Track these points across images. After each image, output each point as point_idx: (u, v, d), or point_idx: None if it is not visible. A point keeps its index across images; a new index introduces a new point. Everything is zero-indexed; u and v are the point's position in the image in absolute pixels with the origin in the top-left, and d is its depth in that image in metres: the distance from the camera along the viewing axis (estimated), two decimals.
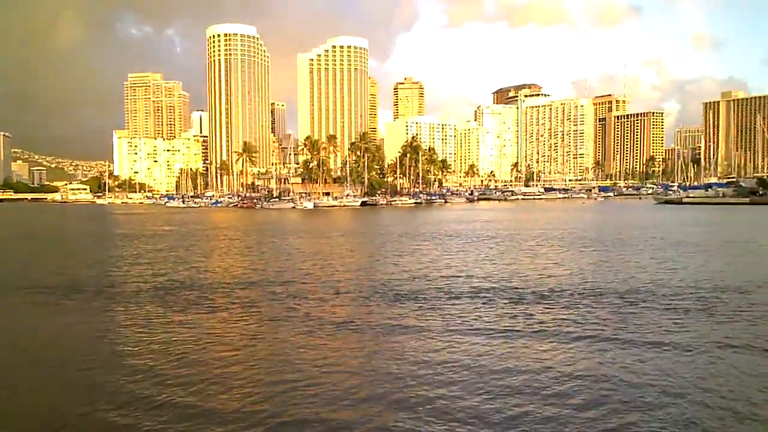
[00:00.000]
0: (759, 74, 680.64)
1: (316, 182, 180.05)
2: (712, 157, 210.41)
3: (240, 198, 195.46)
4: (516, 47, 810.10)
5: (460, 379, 14.55)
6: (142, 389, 14.19)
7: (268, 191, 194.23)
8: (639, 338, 17.86)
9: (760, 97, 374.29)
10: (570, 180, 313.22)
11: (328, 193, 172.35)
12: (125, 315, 22.57)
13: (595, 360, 15.93)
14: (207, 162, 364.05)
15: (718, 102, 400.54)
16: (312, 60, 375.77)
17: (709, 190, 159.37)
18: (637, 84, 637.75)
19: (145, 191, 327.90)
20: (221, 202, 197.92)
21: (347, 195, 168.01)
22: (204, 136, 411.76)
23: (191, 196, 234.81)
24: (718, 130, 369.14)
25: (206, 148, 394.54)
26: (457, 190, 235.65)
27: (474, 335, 18.43)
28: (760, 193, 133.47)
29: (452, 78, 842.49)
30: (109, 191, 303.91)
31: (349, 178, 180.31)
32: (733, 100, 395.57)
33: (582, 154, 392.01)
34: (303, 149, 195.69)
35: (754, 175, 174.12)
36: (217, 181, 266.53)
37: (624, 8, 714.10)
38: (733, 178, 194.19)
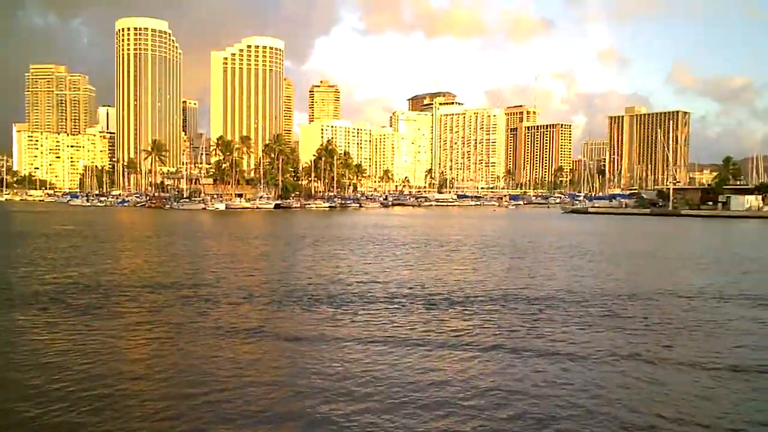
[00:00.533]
0: (660, 91, 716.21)
1: (229, 183, 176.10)
2: (616, 169, 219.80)
3: (148, 198, 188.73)
4: (432, 56, 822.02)
5: (371, 392, 13.86)
6: (30, 409, 12.69)
7: (177, 191, 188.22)
8: (547, 347, 17.69)
9: (660, 113, 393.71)
10: (482, 188, 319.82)
11: (240, 195, 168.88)
12: (19, 321, 20.72)
13: (504, 372, 15.50)
14: (114, 160, 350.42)
15: (622, 116, 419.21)
16: (226, 58, 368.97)
17: (613, 200, 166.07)
18: (548, 96, 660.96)
19: (46, 188, 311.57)
20: (128, 201, 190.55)
21: (260, 197, 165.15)
22: (111, 133, 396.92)
23: (96, 195, 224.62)
24: (622, 143, 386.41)
25: (113, 145, 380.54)
26: (372, 195, 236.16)
27: (389, 345, 17.76)
28: (660, 204, 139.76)
29: (369, 83, 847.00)
30: (6, 188, 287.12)
31: (262, 180, 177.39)
32: (636, 115, 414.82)
33: (494, 162, 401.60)
34: (215, 149, 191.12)
35: (655, 187, 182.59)
36: (124, 180, 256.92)
37: (536, 23, 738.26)
38: (635, 189, 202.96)
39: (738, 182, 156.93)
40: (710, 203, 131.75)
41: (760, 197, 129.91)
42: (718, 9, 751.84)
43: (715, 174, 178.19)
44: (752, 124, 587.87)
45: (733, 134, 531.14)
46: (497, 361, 16.43)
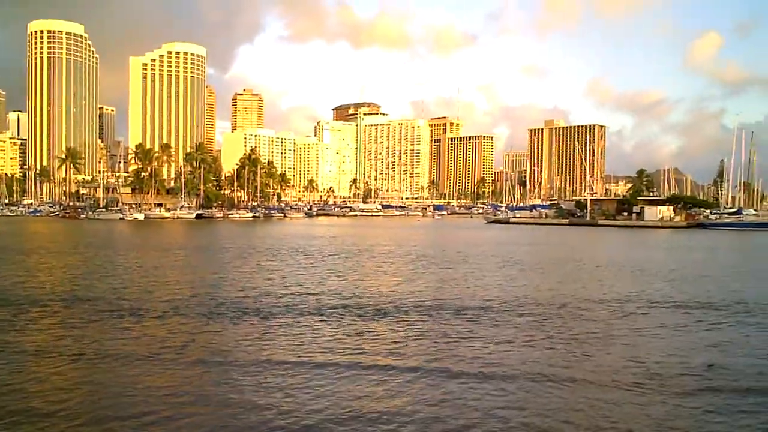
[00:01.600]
0: (580, 105, 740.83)
1: (148, 193, 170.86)
2: (536, 180, 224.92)
3: (62, 207, 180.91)
4: (357, 66, 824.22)
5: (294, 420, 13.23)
6: None
7: (94, 201, 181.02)
8: (479, 366, 17.36)
9: (578, 127, 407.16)
10: (407, 198, 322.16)
11: (160, 205, 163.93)
12: None
13: (430, 392, 14.95)
14: (25, 167, 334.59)
15: (542, 129, 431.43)
16: (146, 64, 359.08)
17: (534, 211, 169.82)
18: (471, 108, 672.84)
19: None
20: (41, 211, 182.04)
21: (181, 207, 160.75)
22: (22, 139, 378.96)
23: (6, 204, 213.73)
24: (542, 155, 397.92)
25: (24, 152, 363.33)
26: (296, 205, 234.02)
27: (319, 367, 16.88)
28: (578, 214, 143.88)
29: (293, 92, 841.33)
30: None
31: (183, 190, 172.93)
32: (555, 128, 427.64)
33: (418, 173, 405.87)
34: (134, 157, 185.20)
35: (573, 198, 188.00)
36: (36, 189, 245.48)
37: (460, 36, 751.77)
38: (554, 200, 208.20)
39: (651, 193, 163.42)
40: (625, 213, 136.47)
41: (671, 208, 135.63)
42: (634, 26, 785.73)
43: (630, 185, 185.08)
44: (665, 138, 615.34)
45: (647, 147, 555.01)
46: (424, 382, 15.73)
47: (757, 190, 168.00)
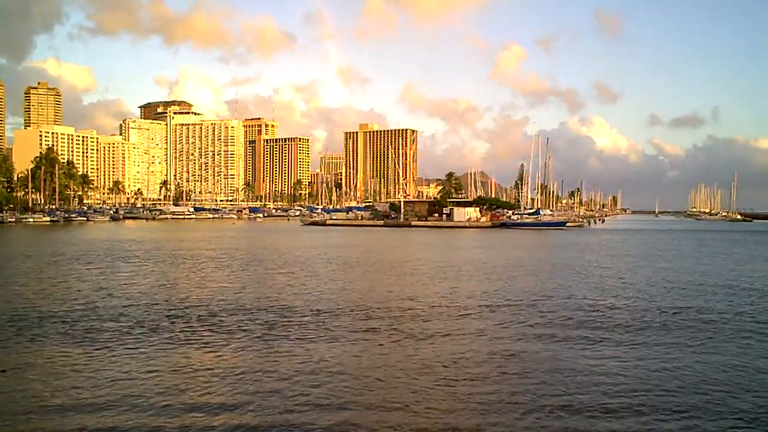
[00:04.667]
0: (395, 110, 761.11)
1: None
2: (352, 182, 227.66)
3: None
4: (170, 62, 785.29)
5: None
6: None
7: None
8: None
9: (391, 131, 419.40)
10: (221, 200, 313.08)
11: None
12: None
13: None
14: None
15: (357, 132, 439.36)
16: None
17: (350, 213, 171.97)
18: (290, 109, 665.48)
19: None
20: None
21: None
22: None
23: None
24: (357, 158, 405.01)
25: None
26: (101, 208, 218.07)
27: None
28: (392, 216, 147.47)
29: (99, 87, 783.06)
30: None
31: None
32: (370, 132, 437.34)
33: (233, 175, 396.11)
34: None
35: (387, 200, 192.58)
36: None
37: (279, 37, 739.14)
38: (370, 202, 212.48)
39: (459, 195, 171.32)
40: (436, 215, 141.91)
41: (477, 209, 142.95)
42: (448, 36, 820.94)
43: (440, 188, 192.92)
44: (474, 143, 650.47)
45: (458, 152, 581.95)
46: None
47: (553, 191, 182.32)
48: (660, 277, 40.15)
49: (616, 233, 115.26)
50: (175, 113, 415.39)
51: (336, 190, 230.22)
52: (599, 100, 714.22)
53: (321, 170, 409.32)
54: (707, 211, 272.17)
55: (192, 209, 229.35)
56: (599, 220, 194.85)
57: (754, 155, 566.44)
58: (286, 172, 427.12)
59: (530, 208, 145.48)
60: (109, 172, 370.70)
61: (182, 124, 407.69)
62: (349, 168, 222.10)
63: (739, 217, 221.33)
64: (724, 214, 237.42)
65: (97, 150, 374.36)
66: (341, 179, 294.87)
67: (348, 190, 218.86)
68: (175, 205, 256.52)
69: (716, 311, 26.35)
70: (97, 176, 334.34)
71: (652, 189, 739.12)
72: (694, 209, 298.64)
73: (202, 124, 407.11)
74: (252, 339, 20.03)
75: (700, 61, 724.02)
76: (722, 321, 24.04)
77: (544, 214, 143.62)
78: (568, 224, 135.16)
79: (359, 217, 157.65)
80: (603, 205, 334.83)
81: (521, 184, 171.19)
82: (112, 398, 13.92)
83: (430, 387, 15.08)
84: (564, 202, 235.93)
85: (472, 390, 14.87)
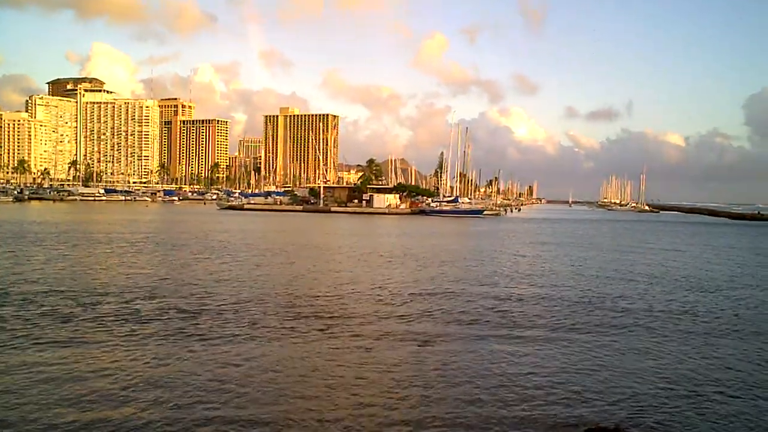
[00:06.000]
0: (318, 94, 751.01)
1: None
2: (271, 167, 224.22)
3: None
4: (82, 38, 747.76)
5: None
6: None
7: None
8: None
9: (313, 115, 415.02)
10: (134, 182, 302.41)
11: None
12: None
13: None
14: None
15: (278, 116, 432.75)
16: None
17: (269, 197, 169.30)
18: (210, 90, 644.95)
19: None
20: None
21: None
22: None
23: None
24: (277, 142, 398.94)
25: None
26: (4, 188, 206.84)
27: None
28: (312, 201, 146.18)
29: (4, 61, 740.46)
30: None
31: None
32: (290, 116, 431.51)
33: (147, 156, 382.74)
34: None
35: (307, 185, 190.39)
36: None
37: (199, 16, 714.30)
38: (289, 187, 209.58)
39: (380, 182, 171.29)
40: (356, 201, 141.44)
41: (397, 196, 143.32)
42: (372, 22, 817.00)
43: (361, 174, 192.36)
44: (397, 130, 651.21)
45: (381, 138, 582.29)
46: None
47: (472, 180, 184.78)
48: (569, 264, 40.90)
49: (533, 222, 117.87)
50: (86, 91, 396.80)
51: (255, 174, 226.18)
52: (519, 91, 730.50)
53: (240, 154, 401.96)
54: (617, 201, 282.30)
55: (103, 191, 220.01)
56: (516, 208, 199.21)
57: (662, 148, 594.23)
58: (204, 154, 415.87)
59: (449, 196, 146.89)
60: (13, 150, 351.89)
61: (93, 102, 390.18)
62: (269, 152, 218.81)
63: (647, 208, 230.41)
64: (633, 205, 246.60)
65: (1, 127, 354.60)
66: (260, 163, 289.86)
67: (267, 174, 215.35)
68: (85, 186, 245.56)
69: (627, 297, 26.79)
70: (1, 155, 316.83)
71: (567, 179, 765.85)
72: (606, 200, 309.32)
73: (115, 102, 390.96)
74: (171, 330, 18.64)
75: (617, 56, 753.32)
76: (635, 309, 24.35)
77: (463, 202, 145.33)
78: (485, 212, 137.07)
79: (278, 202, 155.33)
80: (520, 194, 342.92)
81: (441, 172, 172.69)
82: None
83: (345, 380, 14.32)
84: (482, 190, 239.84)
85: (382, 381, 14.22)
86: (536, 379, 14.74)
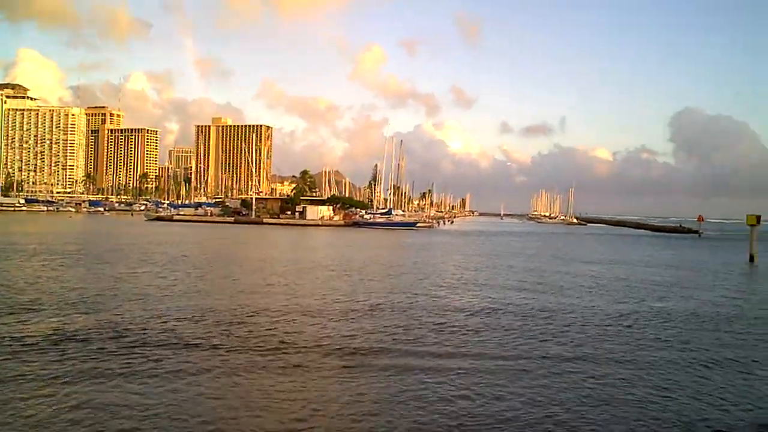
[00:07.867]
0: (254, 105, 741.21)
1: None
2: (202, 177, 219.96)
3: None
4: (9, 42, 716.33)
5: None
6: None
7: None
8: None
9: (246, 126, 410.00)
10: (58, 192, 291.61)
11: None
12: None
13: None
14: None
15: (209, 126, 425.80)
16: None
17: (199, 208, 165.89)
18: (143, 98, 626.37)
19: None
20: None
21: None
22: None
23: None
24: (208, 152, 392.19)
25: None
26: None
27: None
28: (244, 213, 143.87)
29: None
30: None
31: None
32: (223, 126, 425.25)
33: (72, 165, 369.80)
34: None
35: (239, 196, 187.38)
36: None
37: (133, 23, 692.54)
38: (221, 198, 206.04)
39: (313, 194, 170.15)
40: (289, 212, 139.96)
41: (331, 208, 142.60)
42: (310, 33, 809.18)
43: (294, 185, 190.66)
44: (333, 142, 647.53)
45: (317, 150, 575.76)
46: None
47: (405, 192, 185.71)
48: (502, 275, 40.97)
49: (463, 235, 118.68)
50: (7, 97, 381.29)
51: (185, 185, 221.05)
52: (455, 104, 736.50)
53: (170, 164, 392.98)
54: (547, 214, 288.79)
55: (23, 200, 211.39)
56: (448, 221, 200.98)
57: (592, 163, 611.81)
58: (132, 165, 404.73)
59: (383, 208, 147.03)
60: None
61: (15, 109, 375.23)
62: (200, 163, 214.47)
63: (575, 220, 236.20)
64: (562, 217, 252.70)
65: None
66: (191, 174, 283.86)
67: (198, 185, 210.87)
68: (4, 195, 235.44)
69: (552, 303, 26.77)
70: None
71: (499, 192, 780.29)
72: (536, 213, 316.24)
73: (38, 109, 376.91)
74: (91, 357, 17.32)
75: (551, 73, 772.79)
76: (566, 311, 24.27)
77: (396, 215, 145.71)
78: (418, 225, 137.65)
79: (209, 213, 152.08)
80: (453, 206, 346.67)
81: (375, 184, 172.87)
82: None
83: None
84: (416, 203, 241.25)
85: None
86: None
